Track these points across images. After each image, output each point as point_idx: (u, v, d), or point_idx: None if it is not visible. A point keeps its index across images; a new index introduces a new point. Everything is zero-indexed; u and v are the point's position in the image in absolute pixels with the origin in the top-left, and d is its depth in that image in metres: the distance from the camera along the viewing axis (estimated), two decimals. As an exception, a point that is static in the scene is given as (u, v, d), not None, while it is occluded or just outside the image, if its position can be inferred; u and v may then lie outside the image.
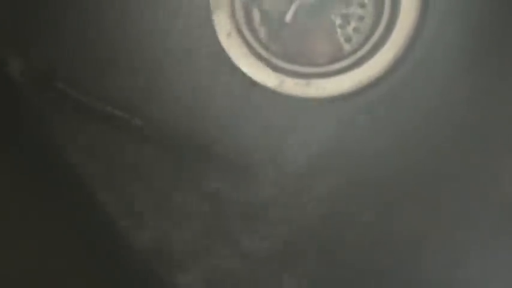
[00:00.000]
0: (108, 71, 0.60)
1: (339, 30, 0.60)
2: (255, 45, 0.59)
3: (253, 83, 0.59)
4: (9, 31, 0.60)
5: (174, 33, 0.59)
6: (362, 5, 0.60)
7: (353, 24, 0.60)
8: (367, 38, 0.59)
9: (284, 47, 0.60)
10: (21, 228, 0.52)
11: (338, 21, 0.60)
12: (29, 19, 0.59)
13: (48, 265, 0.52)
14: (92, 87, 0.60)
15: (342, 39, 0.60)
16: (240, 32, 0.59)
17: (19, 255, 0.50)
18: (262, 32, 0.60)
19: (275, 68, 0.59)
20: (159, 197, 0.60)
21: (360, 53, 0.59)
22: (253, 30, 0.60)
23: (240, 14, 0.59)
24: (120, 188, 0.59)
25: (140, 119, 0.59)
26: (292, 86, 0.59)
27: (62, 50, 0.60)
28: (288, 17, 0.60)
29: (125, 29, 0.60)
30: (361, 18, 0.60)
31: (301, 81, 0.59)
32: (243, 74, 0.59)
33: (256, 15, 0.60)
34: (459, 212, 0.57)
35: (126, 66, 0.60)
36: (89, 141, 0.60)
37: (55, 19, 0.60)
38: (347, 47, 0.60)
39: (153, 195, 0.60)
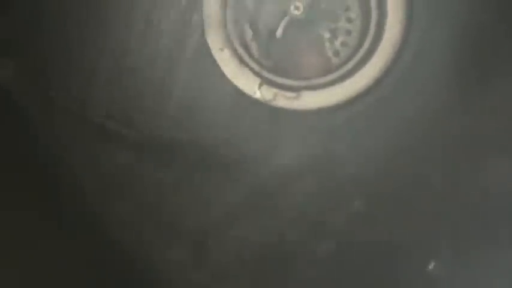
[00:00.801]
0: (98, 81, 0.61)
1: (327, 44, 0.62)
2: (247, 59, 0.61)
3: (245, 96, 0.61)
4: (1, 39, 0.61)
5: (167, 48, 0.61)
6: (349, 20, 0.62)
7: (341, 38, 0.62)
8: (354, 52, 0.61)
9: (275, 61, 0.62)
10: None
11: (326, 36, 0.62)
12: (22, 28, 0.61)
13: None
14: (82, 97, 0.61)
15: (330, 53, 0.62)
16: (232, 47, 0.61)
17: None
18: (253, 47, 0.62)
19: (266, 82, 0.61)
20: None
21: (347, 66, 0.61)
22: (245, 45, 0.62)
23: (232, 29, 0.61)
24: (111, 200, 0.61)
25: (133, 130, 0.60)
26: (282, 99, 0.61)
27: (53, 59, 0.61)
28: (279, 33, 0.62)
29: (119, 42, 0.61)
30: (348, 33, 0.62)
31: (291, 94, 0.61)
32: (235, 88, 0.61)
33: (247, 30, 0.62)
34: (443, 216, 0.58)
35: (118, 78, 0.61)
36: (78, 147, 0.61)
37: (47, 28, 0.61)
38: (335, 61, 0.62)
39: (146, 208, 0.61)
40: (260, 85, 0.61)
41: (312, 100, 0.61)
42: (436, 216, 0.58)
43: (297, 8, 0.61)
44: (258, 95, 0.61)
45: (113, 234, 0.60)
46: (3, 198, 0.53)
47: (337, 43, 0.62)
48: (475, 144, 0.58)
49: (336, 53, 0.62)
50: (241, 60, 0.61)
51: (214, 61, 0.61)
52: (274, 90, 0.61)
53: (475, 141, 0.58)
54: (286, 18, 0.61)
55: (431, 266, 0.57)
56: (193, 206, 0.61)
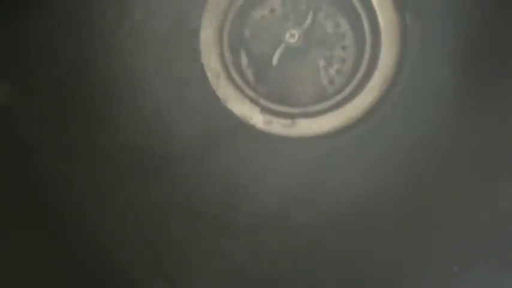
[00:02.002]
0: (98, 105, 0.62)
1: (322, 72, 0.62)
2: (243, 86, 0.62)
3: (241, 123, 0.61)
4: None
5: (164, 74, 0.62)
6: (344, 48, 0.62)
7: (336, 66, 0.62)
8: (349, 79, 0.62)
9: (270, 88, 0.63)
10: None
11: (321, 64, 0.62)
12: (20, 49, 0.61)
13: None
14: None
15: (325, 81, 0.63)
16: (228, 73, 0.62)
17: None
18: (249, 74, 0.63)
19: (262, 108, 0.62)
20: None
21: (342, 94, 0.61)
22: (241, 72, 0.62)
23: (228, 56, 0.62)
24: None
25: (137, 151, 0.61)
26: (277, 126, 0.61)
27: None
28: (274, 60, 0.62)
29: (116, 69, 0.62)
30: (343, 60, 0.62)
31: (286, 121, 0.61)
32: (231, 114, 0.61)
33: (244, 57, 0.63)
34: (444, 245, 0.58)
35: (118, 104, 0.62)
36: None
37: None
38: (330, 88, 0.62)
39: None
40: (259, 111, 0.61)
41: (307, 127, 0.61)
42: (436, 244, 0.58)
43: (292, 35, 0.62)
44: (253, 121, 0.61)
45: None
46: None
47: (332, 71, 0.63)
48: (474, 170, 0.58)
49: (331, 81, 0.62)
50: (237, 87, 0.62)
51: (211, 87, 0.61)
52: (270, 117, 0.61)
53: (474, 168, 0.58)
54: (282, 46, 0.62)
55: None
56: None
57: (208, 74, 0.61)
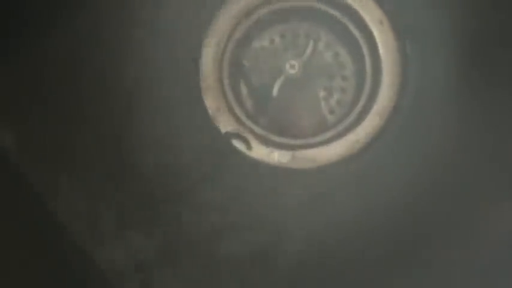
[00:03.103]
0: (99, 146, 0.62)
1: (322, 102, 0.62)
2: (243, 117, 0.61)
3: (240, 154, 0.61)
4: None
5: (163, 104, 0.61)
6: (344, 78, 0.62)
7: (336, 96, 0.62)
8: (349, 110, 0.61)
9: (270, 119, 0.62)
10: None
11: (322, 94, 0.62)
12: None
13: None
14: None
15: (325, 112, 0.62)
16: (228, 105, 0.61)
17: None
18: (249, 105, 0.63)
19: (262, 140, 0.61)
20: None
21: (343, 125, 0.61)
22: (240, 103, 0.62)
23: (228, 88, 0.62)
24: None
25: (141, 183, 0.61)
26: (278, 157, 0.61)
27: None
28: (275, 91, 0.62)
29: (115, 105, 0.62)
30: (343, 91, 0.62)
31: (287, 153, 0.61)
32: (230, 145, 0.61)
33: (243, 88, 0.63)
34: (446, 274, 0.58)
35: (117, 145, 0.62)
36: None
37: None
38: (331, 119, 0.62)
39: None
40: (259, 143, 0.61)
41: (307, 158, 0.61)
42: (439, 273, 0.57)
43: (292, 66, 0.62)
44: (253, 152, 0.61)
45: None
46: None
47: (333, 101, 0.62)
48: (476, 197, 0.58)
49: (332, 111, 0.62)
50: (237, 118, 0.61)
51: (209, 118, 0.61)
52: (270, 148, 0.61)
53: (475, 194, 0.58)
54: (282, 77, 0.62)
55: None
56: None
57: (208, 106, 0.61)
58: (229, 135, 0.61)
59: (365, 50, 0.61)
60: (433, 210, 0.59)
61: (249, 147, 0.61)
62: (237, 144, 0.61)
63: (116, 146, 0.61)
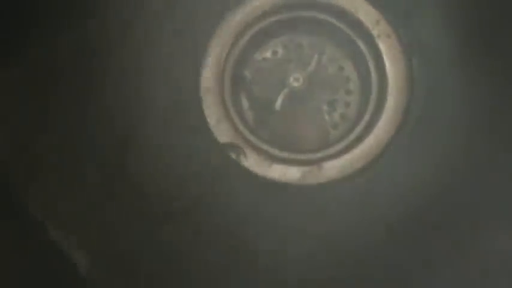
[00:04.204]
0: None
1: (326, 116, 0.61)
2: (243, 130, 0.60)
3: (241, 168, 0.59)
4: None
5: (164, 115, 0.60)
6: (348, 92, 0.61)
7: (340, 110, 0.61)
8: (354, 125, 0.60)
9: (271, 133, 0.61)
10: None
11: (325, 108, 0.61)
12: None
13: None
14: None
15: (329, 126, 0.61)
16: (228, 117, 0.60)
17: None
18: (250, 118, 0.61)
19: (262, 154, 0.60)
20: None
21: (346, 140, 0.60)
22: (241, 116, 0.61)
23: (229, 100, 0.60)
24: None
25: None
26: (279, 172, 0.59)
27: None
28: (278, 104, 0.61)
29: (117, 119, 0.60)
30: (347, 105, 0.61)
31: (288, 167, 0.59)
32: (231, 159, 0.59)
33: (244, 101, 0.61)
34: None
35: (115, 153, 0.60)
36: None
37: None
38: (334, 133, 0.61)
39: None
40: (260, 157, 0.59)
41: (309, 173, 0.59)
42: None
43: (296, 79, 0.60)
44: (254, 167, 0.59)
45: None
46: None
47: (336, 115, 0.61)
48: (481, 217, 0.57)
49: (335, 126, 0.61)
50: (238, 131, 0.60)
51: (211, 131, 0.60)
52: (270, 162, 0.60)
53: (483, 209, 0.57)
54: (285, 90, 0.61)
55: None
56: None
57: (209, 117, 0.59)
58: (228, 148, 0.59)
59: (371, 65, 0.60)
60: (440, 229, 0.58)
61: (248, 159, 0.59)
62: (237, 157, 0.59)
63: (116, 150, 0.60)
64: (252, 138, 0.60)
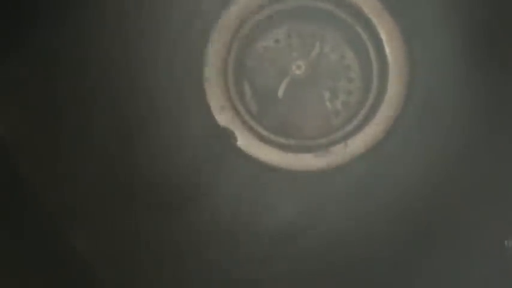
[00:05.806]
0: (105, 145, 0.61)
1: (328, 104, 0.61)
2: (247, 118, 0.61)
3: (244, 155, 0.60)
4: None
5: (168, 106, 0.60)
6: (350, 80, 0.62)
7: (341, 98, 0.62)
8: (355, 112, 0.61)
9: (274, 121, 0.62)
10: None
11: (327, 96, 0.61)
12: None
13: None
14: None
15: (331, 113, 0.62)
16: (232, 105, 0.60)
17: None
18: (253, 106, 0.62)
19: (265, 141, 0.60)
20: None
21: (348, 127, 0.60)
22: (245, 104, 0.61)
23: (232, 88, 0.61)
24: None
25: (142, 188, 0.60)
26: (281, 159, 0.60)
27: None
28: (280, 92, 0.61)
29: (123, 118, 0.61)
30: (349, 93, 0.62)
31: (290, 155, 0.60)
32: (235, 147, 0.60)
33: (247, 89, 0.62)
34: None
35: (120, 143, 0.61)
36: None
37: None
38: (336, 121, 0.61)
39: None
40: (263, 144, 0.60)
41: (311, 160, 0.60)
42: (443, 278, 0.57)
43: (298, 67, 0.61)
44: (257, 154, 0.60)
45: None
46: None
47: (338, 103, 0.62)
48: (485, 201, 0.57)
49: (337, 113, 0.62)
50: (241, 119, 0.60)
51: (214, 120, 0.60)
52: (273, 149, 0.60)
53: (484, 198, 0.57)
54: (288, 78, 0.61)
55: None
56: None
57: (212, 106, 0.60)
58: (231, 135, 0.60)
59: (372, 52, 0.60)
60: (439, 218, 0.58)
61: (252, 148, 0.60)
62: (239, 143, 0.60)
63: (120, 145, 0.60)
64: (255, 125, 0.60)
